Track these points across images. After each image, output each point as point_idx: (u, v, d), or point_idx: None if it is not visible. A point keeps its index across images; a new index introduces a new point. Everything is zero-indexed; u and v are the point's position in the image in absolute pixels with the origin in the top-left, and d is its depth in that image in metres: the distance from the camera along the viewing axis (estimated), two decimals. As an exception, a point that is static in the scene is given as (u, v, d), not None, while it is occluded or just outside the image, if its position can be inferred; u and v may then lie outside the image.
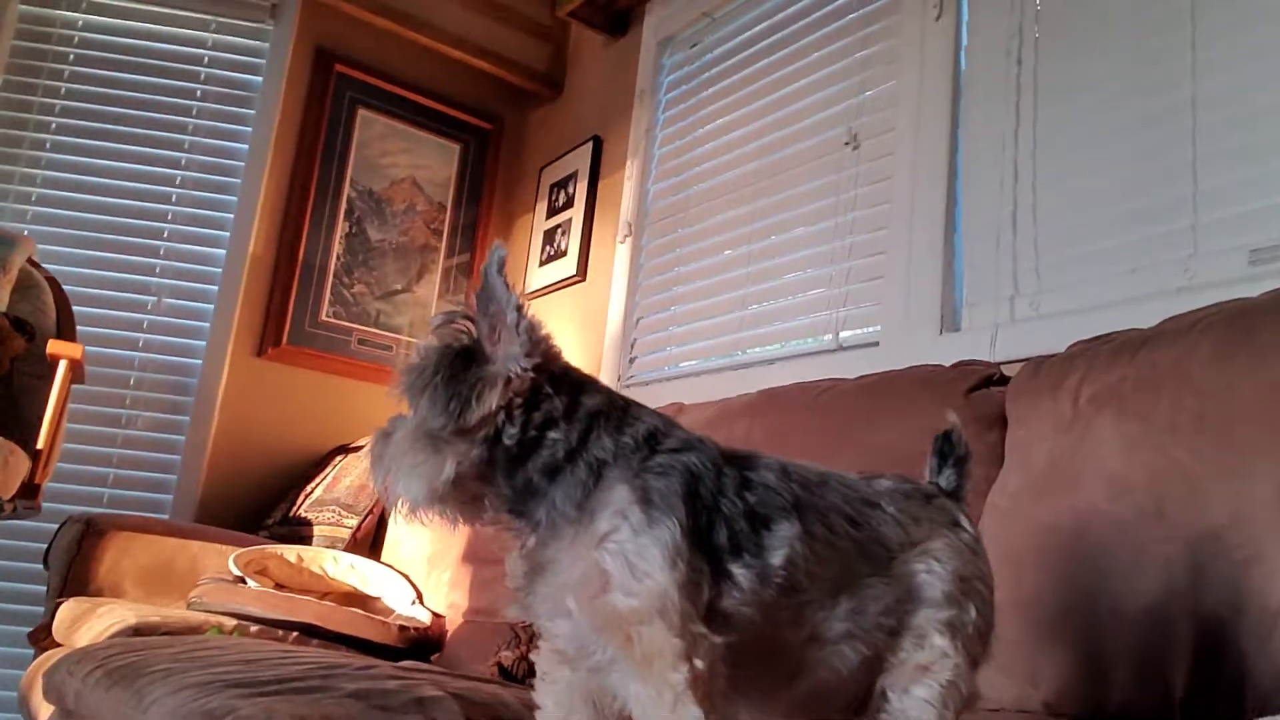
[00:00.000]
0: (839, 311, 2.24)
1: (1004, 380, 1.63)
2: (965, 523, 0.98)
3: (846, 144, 2.32)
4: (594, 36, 3.34)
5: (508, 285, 0.86)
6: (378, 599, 2.63)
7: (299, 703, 1.13)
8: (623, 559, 0.80)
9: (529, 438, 0.86)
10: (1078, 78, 1.89)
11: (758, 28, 2.69)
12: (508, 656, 2.04)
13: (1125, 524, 1.21)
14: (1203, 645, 1.10)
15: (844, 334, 2.22)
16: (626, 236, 2.97)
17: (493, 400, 0.85)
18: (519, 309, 0.86)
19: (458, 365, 0.86)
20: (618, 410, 0.90)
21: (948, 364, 1.80)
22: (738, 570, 0.83)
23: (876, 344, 2.14)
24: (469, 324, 0.88)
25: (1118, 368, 1.32)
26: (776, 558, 0.84)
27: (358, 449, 3.06)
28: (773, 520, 0.85)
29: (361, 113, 3.32)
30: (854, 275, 2.24)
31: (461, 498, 0.87)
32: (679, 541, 0.80)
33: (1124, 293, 1.73)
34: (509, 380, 0.85)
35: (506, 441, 0.86)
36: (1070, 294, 1.82)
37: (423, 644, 2.35)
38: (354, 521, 2.83)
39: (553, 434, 0.86)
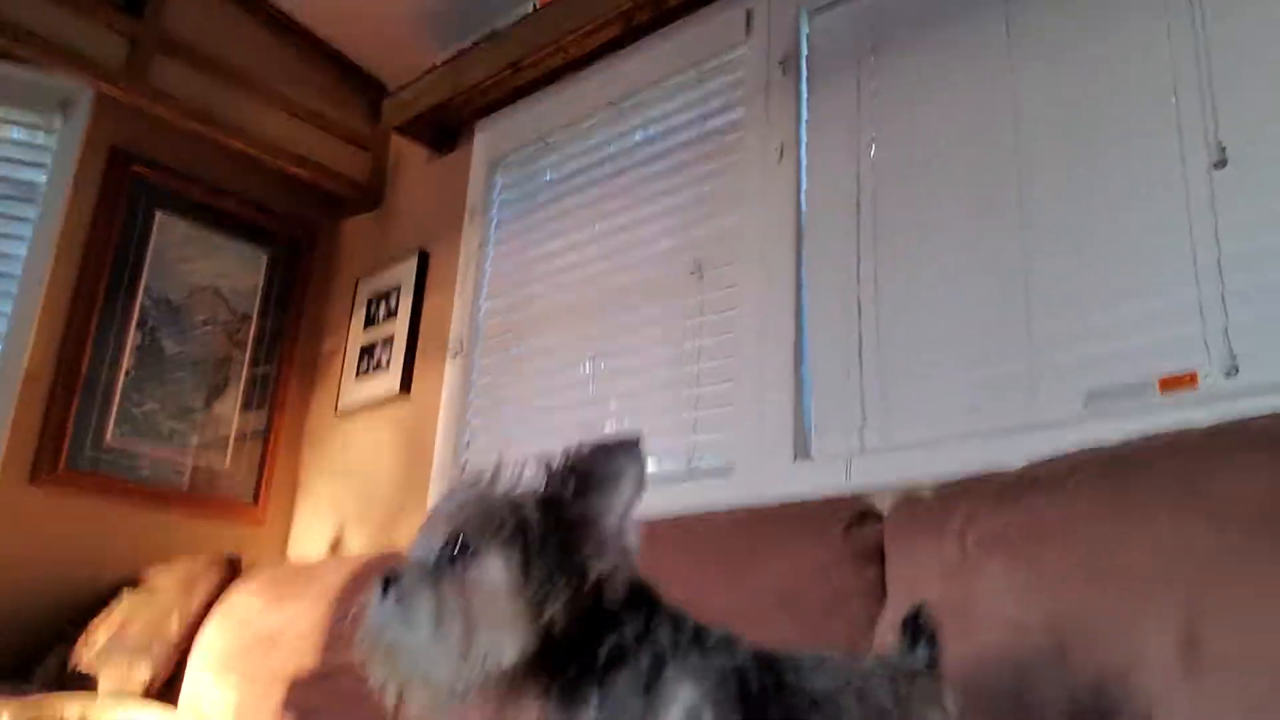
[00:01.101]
0: (690, 437, 2.26)
1: (876, 515, 1.68)
2: (948, 701, 0.99)
3: (691, 273, 2.37)
4: (418, 150, 3.28)
5: (642, 479, 0.82)
6: (175, 760, 2.34)
7: None
8: None
9: (602, 619, 0.81)
10: (915, 225, 2.03)
11: (596, 155, 2.73)
12: (350, 825, 1.85)
13: (1025, 667, 1.26)
14: (1112, 792, 1.15)
15: (696, 460, 2.24)
16: (457, 353, 2.88)
17: (593, 578, 0.80)
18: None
19: (556, 528, 0.80)
20: (666, 603, 0.86)
21: (803, 491, 1.85)
22: None
23: (730, 470, 2.16)
24: (554, 477, 0.83)
25: (1002, 514, 1.39)
26: None
27: (147, 585, 2.74)
28: None
29: (160, 217, 3.08)
30: (704, 402, 2.26)
31: (522, 676, 0.79)
32: None
33: (969, 427, 1.84)
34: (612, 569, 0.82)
35: (572, 624, 0.80)
36: (918, 426, 1.92)
37: (239, 813, 2.10)
38: (148, 672, 2.52)
39: (624, 617, 0.82)
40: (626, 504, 0.82)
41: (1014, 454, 1.55)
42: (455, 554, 0.79)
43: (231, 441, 3.19)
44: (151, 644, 2.56)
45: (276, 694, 2.33)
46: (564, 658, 0.79)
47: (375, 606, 0.80)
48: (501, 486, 0.83)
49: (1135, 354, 1.65)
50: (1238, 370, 1.53)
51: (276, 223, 3.36)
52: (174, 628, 2.61)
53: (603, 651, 0.80)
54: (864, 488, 1.84)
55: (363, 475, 3.09)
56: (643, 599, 0.84)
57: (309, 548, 3.17)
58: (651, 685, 0.79)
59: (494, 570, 0.78)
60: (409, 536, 0.84)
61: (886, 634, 1.49)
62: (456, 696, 0.77)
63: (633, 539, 0.83)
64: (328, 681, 2.25)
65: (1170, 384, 1.60)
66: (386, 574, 0.82)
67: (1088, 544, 1.26)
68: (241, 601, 2.62)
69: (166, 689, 2.56)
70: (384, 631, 0.79)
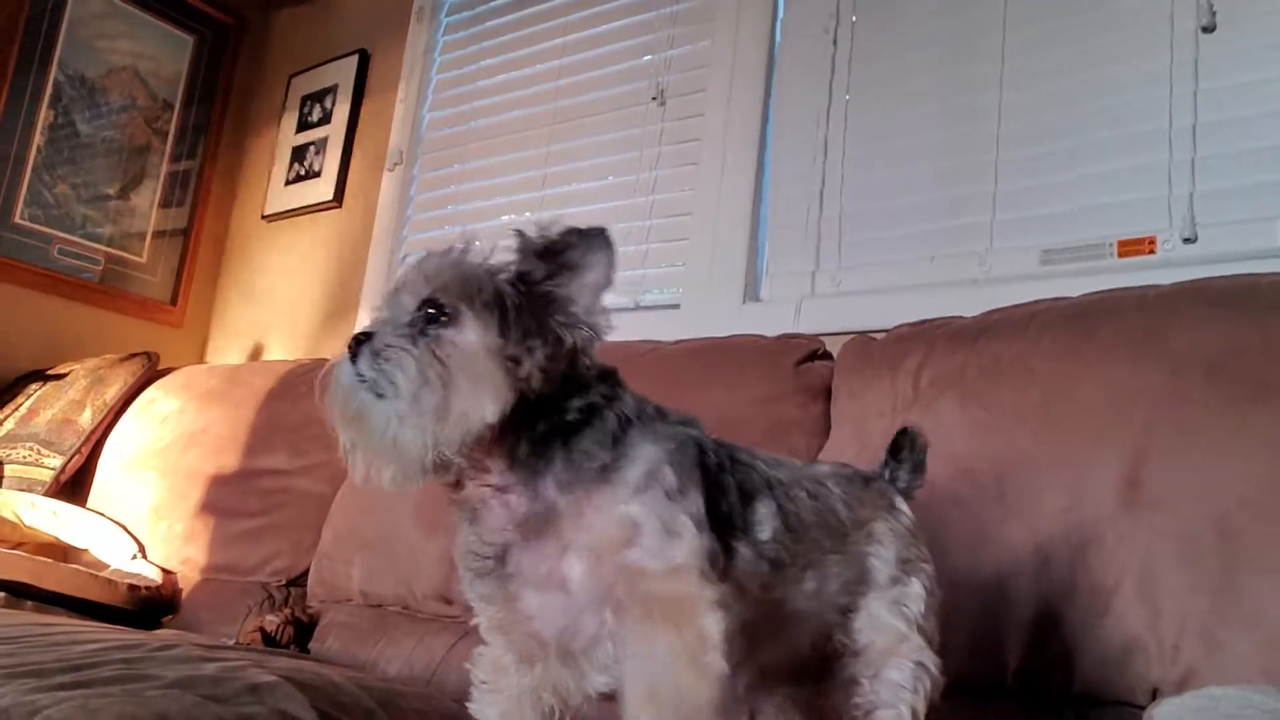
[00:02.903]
0: (638, 270, 2.22)
1: (826, 356, 1.68)
2: (902, 505, 1.02)
3: (653, 99, 2.28)
4: (363, -63, 3.05)
5: (612, 266, 0.82)
6: (84, 551, 2.30)
7: (118, 697, 0.94)
8: (655, 517, 0.77)
9: (573, 386, 0.81)
10: (892, 67, 1.97)
11: (559, -39, 2.56)
12: (271, 621, 1.86)
13: (966, 502, 1.29)
14: (1037, 621, 1.19)
15: (643, 294, 2.20)
16: (396, 164, 2.76)
17: (569, 344, 0.80)
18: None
19: (530, 297, 0.79)
20: (629, 388, 0.86)
21: (750, 331, 1.84)
22: (737, 543, 0.83)
23: (677, 306, 2.14)
24: (527, 253, 0.81)
25: (958, 354, 1.40)
26: (765, 533, 0.85)
27: (57, 377, 2.64)
28: (756, 496, 0.86)
29: (77, -18, 2.83)
30: (655, 234, 2.21)
31: (491, 440, 0.78)
32: (703, 512, 0.79)
33: (922, 278, 1.84)
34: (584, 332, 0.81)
35: (546, 385, 0.79)
36: (871, 274, 1.91)
37: (155, 605, 2.08)
38: (56, 462, 2.45)
39: (594, 386, 0.82)
40: (596, 289, 0.81)
41: (965, 308, 1.55)
42: (430, 317, 0.77)
43: (149, 238, 3.03)
44: (62, 434, 2.48)
45: (196, 492, 2.29)
46: (534, 418, 0.78)
47: (344, 368, 0.77)
48: (475, 257, 0.81)
49: (1096, 214, 1.65)
50: (1197, 238, 1.55)
51: (203, 5, 3.11)
52: (86, 420, 2.52)
53: (572, 407, 0.80)
54: (812, 334, 1.83)
55: (288, 285, 2.98)
56: (610, 376, 0.84)
57: (228, 355, 3.07)
58: (617, 441, 0.79)
59: (471, 332, 0.77)
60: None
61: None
62: (428, 465, 0.75)
63: (603, 322, 0.81)
64: (249, 482, 2.22)
65: (1129, 247, 1.61)
66: (358, 335, 0.78)
67: (1044, 384, 1.28)
68: (161, 399, 2.54)
69: (76, 481, 2.49)
70: (355, 394, 0.76)
